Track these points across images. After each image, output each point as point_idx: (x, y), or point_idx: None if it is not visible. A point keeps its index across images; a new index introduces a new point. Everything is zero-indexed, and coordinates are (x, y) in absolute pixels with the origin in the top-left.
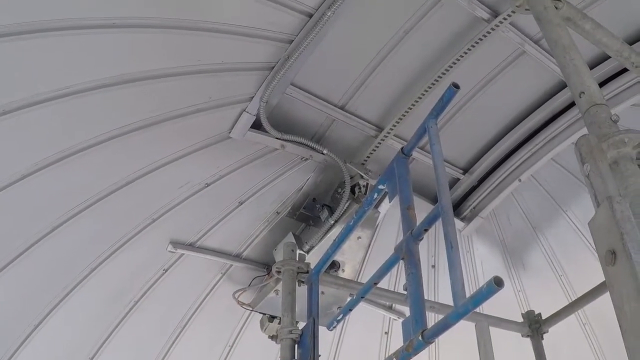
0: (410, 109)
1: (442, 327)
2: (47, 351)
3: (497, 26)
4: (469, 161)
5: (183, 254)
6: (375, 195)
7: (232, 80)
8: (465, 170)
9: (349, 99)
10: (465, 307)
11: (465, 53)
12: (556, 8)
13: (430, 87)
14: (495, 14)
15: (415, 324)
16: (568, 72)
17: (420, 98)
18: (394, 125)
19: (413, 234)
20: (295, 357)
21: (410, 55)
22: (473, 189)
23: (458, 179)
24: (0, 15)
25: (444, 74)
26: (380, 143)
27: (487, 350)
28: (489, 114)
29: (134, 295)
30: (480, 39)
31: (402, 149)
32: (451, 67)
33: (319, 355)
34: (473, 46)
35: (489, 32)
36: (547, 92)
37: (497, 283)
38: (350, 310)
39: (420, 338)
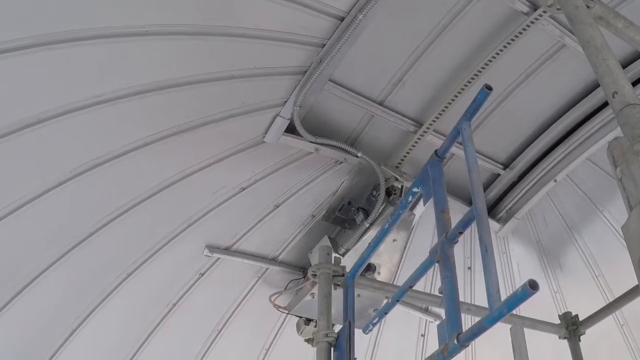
0: (450, 103)
1: (478, 330)
2: (85, 355)
3: (537, 19)
4: (510, 156)
5: (219, 258)
6: (410, 199)
7: (265, 85)
8: (506, 166)
9: (387, 95)
10: (500, 310)
11: (505, 47)
12: (588, 7)
13: (470, 82)
14: (534, 6)
15: (450, 327)
16: (601, 72)
17: (460, 92)
18: (434, 121)
19: (448, 237)
20: None
21: (450, 49)
22: (513, 184)
23: (498, 175)
24: (32, 25)
25: (483, 68)
26: (419, 139)
27: (522, 353)
28: (529, 108)
29: (171, 299)
30: (520, 32)
31: (435, 151)
32: (491, 61)
33: (355, 358)
34: (513, 40)
35: (528, 26)
36: (587, 86)
37: (532, 286)
38: (386, 313)
39: (455, 342)
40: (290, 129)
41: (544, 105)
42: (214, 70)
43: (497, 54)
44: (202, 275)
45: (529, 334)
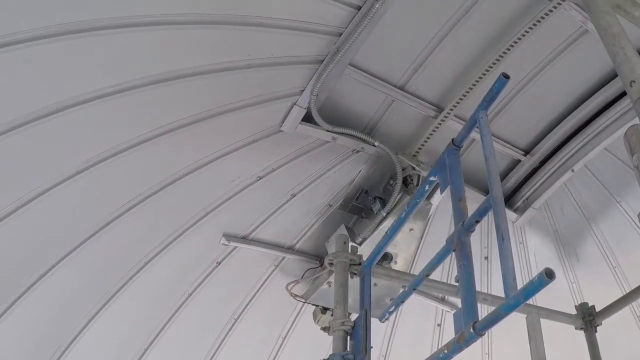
0: (472, 88)
1: (494, 319)
2: (101, 343)
3: (559, 4)
4: (531, 143)
5: (236, 246)
6: (427, 187)
7: (282, 74)
8: (527, 152)
9: (408, 79)
10: (516, 299)
11: (527, 32)
12: None
13: (492, 66)
14: None
15: (466, 316)
16: (618, 61)
17: (481, 77)
18: (455, 105)
19: (464, 226)
20: (348, 349)
21: (471, 33)
22: (533, 171)
23: (519, 161)
24: (52, 16)
25: (505, 53)
26: (440, 124)
27: (538, 342)
28: (551, 94)
29: (188, 288)
30: (543, 17)
31: (452, 140)
32: (512, 46)
33: (371, 347)
34: (535, 25)
35: (551, 11)
36: (609, 74)
37: (548, 275)
38: (402, 302)
39: (471, 330)
40: (308, 118)
41: (566, 92)
42: (230, 59)
43: (520, 38)
44: (219, 264)
45: (545, 324)
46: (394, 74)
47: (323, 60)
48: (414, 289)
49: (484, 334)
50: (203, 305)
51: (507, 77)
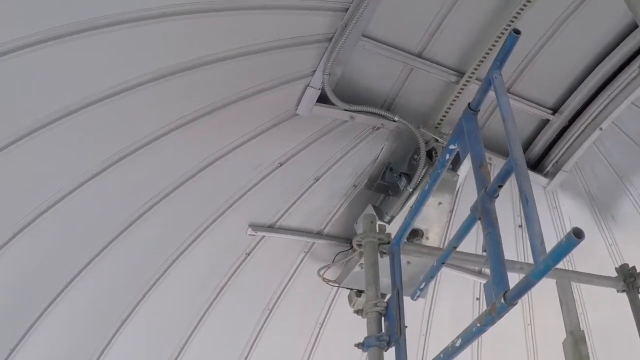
0: (491, 49)
1: (525, 287)
2: (139, 342)
3: None
4: (558, 101)
5: (264, 236)
6: (447, 157)
7: (291, 56)
8: (555, 110)
9: (425, 45)
10: (546, 263)
11: None
12: None
13: (510, 23)
14: None
15: (496, 286)
16: (637, 10)
17: (500, 36)
18: (476, 68)
19: (487, 192)
20: (383, 330)
21: None
22: (563, 130)
23: (548, 121)
24: (51, 17)
25: (525, 5)
26: (462, 89)
27: (570, 307)
28: (574, 48)
29: (220, 282)
30: None
31: (469, 104)
32: (530, 1)
33: (406, 327)
34: None
35: None
36: (629, 25)
37: (577, 235)
38: (432, 277)
39: (502, 300)
40: (323, 99)
41: (589, 45)
42: (237, 46)
43: None
44: (249, 255)
45: (588, 289)
46: (410, 41)
47: (332, 38)
48: (443, 263)
49: (516, 304)
50: (236, 298)
51: (518, 32)
